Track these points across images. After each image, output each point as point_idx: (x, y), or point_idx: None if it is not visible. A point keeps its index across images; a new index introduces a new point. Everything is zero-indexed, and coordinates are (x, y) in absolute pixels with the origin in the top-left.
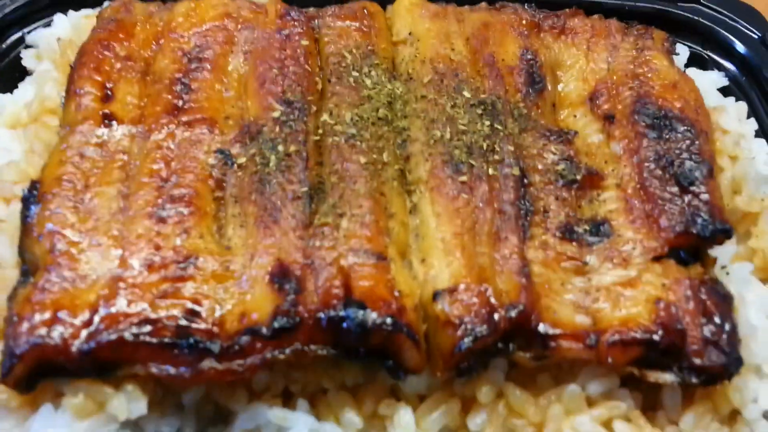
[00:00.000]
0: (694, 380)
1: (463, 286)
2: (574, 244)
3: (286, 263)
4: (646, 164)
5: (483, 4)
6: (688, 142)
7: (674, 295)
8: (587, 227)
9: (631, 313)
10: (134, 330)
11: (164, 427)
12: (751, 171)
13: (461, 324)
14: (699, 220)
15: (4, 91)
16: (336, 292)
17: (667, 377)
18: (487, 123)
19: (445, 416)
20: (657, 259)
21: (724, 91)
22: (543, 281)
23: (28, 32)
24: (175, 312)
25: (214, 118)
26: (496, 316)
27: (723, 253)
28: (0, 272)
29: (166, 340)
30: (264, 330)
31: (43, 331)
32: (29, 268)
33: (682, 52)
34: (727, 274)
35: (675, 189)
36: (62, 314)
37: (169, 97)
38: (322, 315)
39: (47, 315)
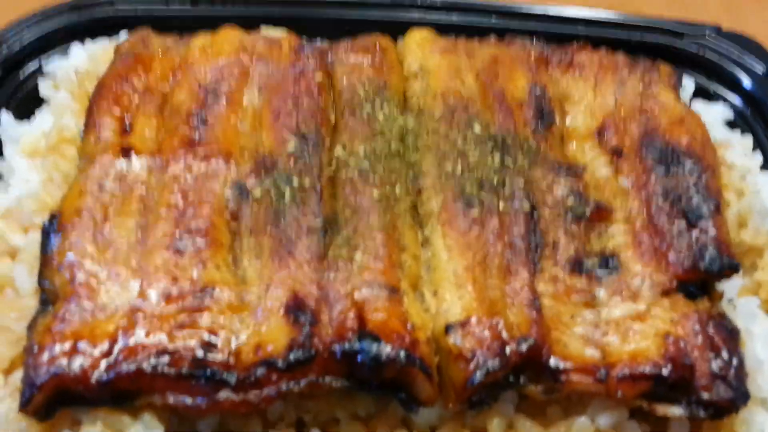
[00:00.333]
0: (702, 414)
1: (474, 320)
2: (583, 277)
3: (300, 295)
4: (654, 199)
5: (492, 38)
6: (695, 177)
7: (683, 330)
8: (596, 261)
9: (640, 347)
10: (152, 361)
11: None
12: (756, 204)
13: (473, 358)
14: (707, 256)
15: (21, 119)
16: (350, 324)
17: (676, 411)
18: (498, 158)
19: None
20: (665, 293)
21: (730, 124)
22: (553, 314)
23: (45, 61)
24: (192, 343)
25: (230, 150)
26: (507, 350)
27: (729, 287)
28: (19, 301)
29: (184, 371)
30: (279, 362)
31: (63, 361)
32: (48, 297)
33: (688, 84)
34: (734, 308)
35: (683, 224)
36: (82, 345)
37: (186, 130)
38: (336, 348)
39: (67, 345)
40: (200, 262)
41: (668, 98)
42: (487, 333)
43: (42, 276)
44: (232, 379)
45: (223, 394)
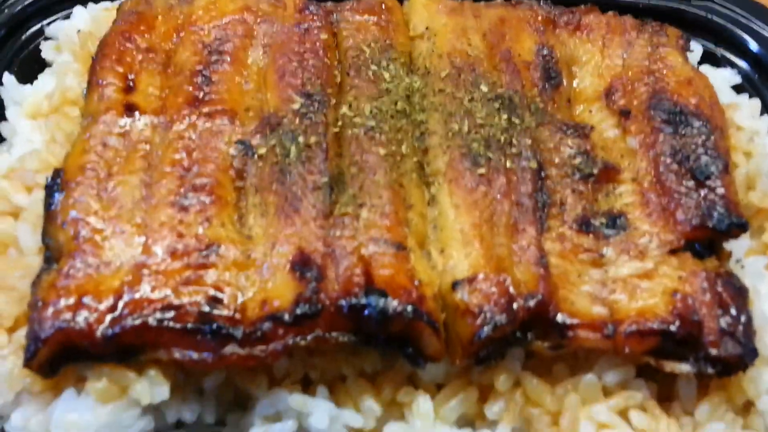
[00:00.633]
0: (710, 371)
1: (482, 276)
2: (590, 236)
3: (307, 252)
4: (662, 158)
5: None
6: (703, 137)
7: (690, 287)
8: (604, 220)
9: (648, 304)
10: (158, 315)
11: (185, 413)
12: (764, 167)
13: (481, 313)
14: (715, 214)
15: (24, 83)
16: (357, 280)
17: (684, 367)
18: (505, 117)
19: (462, 404)
20: (673, 252)
21: (737, 89)
22: (560, 273)
23: (48, 24)
24: (198, 298)
25: (235, 109)
26: (514, 306)
27: (737, 247)
28: (23, 259)
29: (189, 325)
30: (286, 316)
31: (68, 315)
32: (52, 255)
33: (696, 49)
34: (742, 267)
35: (691, 183)
36: (87, 299)
37: (190, 88)
38: (343, 302)
39: (72, 300)
40: (205, 220)
41: (676, 60)
42: (494, 289)
43: (46, 233)
44: (238, 333)
45: (230, 349)
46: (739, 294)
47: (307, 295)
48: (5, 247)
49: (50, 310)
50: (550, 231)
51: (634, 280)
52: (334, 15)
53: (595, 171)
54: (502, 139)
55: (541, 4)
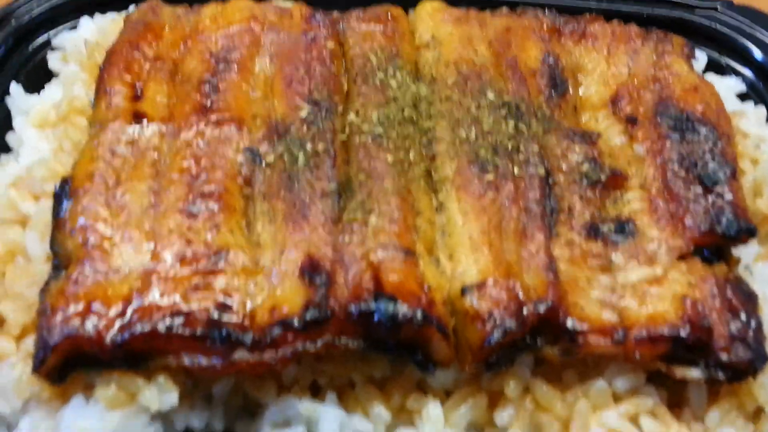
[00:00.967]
0: (720, 376)
1: (491, 282)
2: (599, 242)
3: (315, 258)
4: (670, 165)
5: (504, 9)
6: (710, 143)
7: (700, 293)
8: (612, 226)
9: (657, 309)
10: (167, 321)
11: (193, 420)
12: None
13: (490, 318)
14: (724, 219)
15: (30, 93)
16: (366, 285)
17: (694, 373)
18: (512, 124)
19: (472, 411)
20: (682, 257)
21: (742, 97)
22: (569, 278)
23: (55, 35)
24: (207, 305)
25: (242, 117)
26: (524, 311)
27: (746, 254)
28: (31, 267)
29: (199, 331)
30: (295, 322)
31: (76, 322)
32: (61, 262)
33: (700, 58)
34: (751, 273)
35: (699, 189)
36: (96, 306)
37: (198, 96)
38: (352, 308)
39: (81, 306)
40: (214, 227)
41: (682, 68)
42: (503, 294)
43: (54, 241)
44: (248, 339)
45: (239, 355)
46: (749, 299)
47: (316, 301)
48: (13, 255)
49: (59, 317)
50: (559, 237)
51: (643, 286)
52: (341, 24)
53: (603, 178)
54: (510, 146)
55: (546, 13)
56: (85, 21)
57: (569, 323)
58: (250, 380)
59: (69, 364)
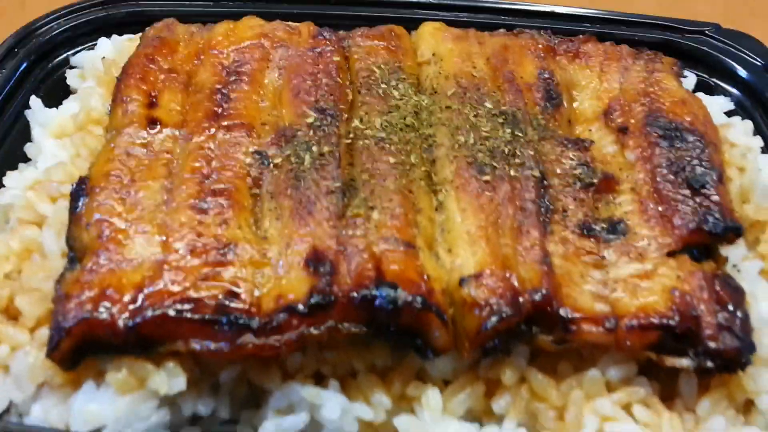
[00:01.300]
0: (709, 364)
1: (488, 272)
2: (592, 240)
3: (320, 249)
4: (659, 170)
5: (501, 30)
6: (698, 150)
7: (689, 286)
8: (604, 225)
9: (648, 301)
10: (177, 307)
11: (200, 407)
12: (758, 182)
13: (487, 305)
14: (710, 219)
15: (49, 107)
16: (368, 274)
17: (684, 362)
18: (509, 131)
19: (470, 399)
20: (671, 254)
21: (730, 115)
22: (563, 273)
23: (73, 54)
24: (216, 292)
25: (252, 123)
26: (520, 299)
27: (734, 255)
28: (47, 262)
29: (207, 316)
30: (300, 307)
31: (90, 306)
32: (76, 255)
33: (690, 79)
34: (738, 271)
35: (687, 192)
36: (109, 292)
37: (210, 104)
38: (355, 294)
39: (95, 292)
40: (223, 222)
41: (671, 83)
42: (500, 284)
43: (70, 235)
44: (254, 323)
45: (246, 339)
46: (736, 292)
47: (320, 288)
48: (29, 253)
49: (73, 302)
50: (553, 234)
51: (634, 280)
52: (346, 41)
53: (595, 181)
54: (506, 150)
55: (542, 33)
56: (102, 41)
57: (563, 312)
58: (255, 369)
59: (82, 349)
